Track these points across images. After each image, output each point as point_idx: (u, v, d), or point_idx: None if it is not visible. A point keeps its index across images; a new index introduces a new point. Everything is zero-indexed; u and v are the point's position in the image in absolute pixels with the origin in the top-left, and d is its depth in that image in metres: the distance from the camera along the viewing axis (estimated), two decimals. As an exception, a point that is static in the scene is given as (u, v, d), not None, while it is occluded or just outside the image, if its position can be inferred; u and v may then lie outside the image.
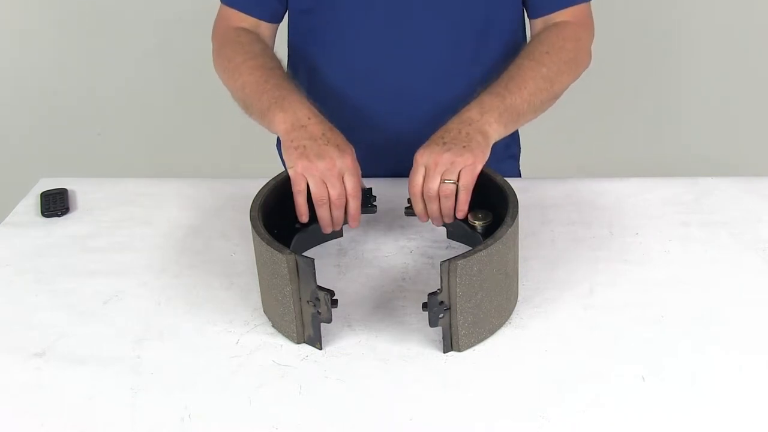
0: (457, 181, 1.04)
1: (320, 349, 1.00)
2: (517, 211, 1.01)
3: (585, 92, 2.38)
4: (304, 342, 1.01)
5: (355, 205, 1.08)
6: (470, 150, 1.04)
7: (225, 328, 1.05)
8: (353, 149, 1.09)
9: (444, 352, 0.99)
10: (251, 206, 1.05)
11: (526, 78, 1.15)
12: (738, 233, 1.18)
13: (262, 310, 1.07)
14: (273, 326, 1.04)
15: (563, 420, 0.89)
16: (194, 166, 2.39)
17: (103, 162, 2.50)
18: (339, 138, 1.09)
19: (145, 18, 2.35)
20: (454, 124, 1.08)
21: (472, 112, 1.09)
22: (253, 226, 1.02)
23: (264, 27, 1.32)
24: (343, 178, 1.06)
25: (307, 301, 0.97)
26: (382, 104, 1.31)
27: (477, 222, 1.09)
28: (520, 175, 1.49)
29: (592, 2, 1.28)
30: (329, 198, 1.06)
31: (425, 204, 1.07)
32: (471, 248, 0.96)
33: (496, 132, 1.10)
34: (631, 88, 2.41)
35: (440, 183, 1.04)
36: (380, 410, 0.92)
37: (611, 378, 0.94)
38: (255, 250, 1.04)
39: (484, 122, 1.08)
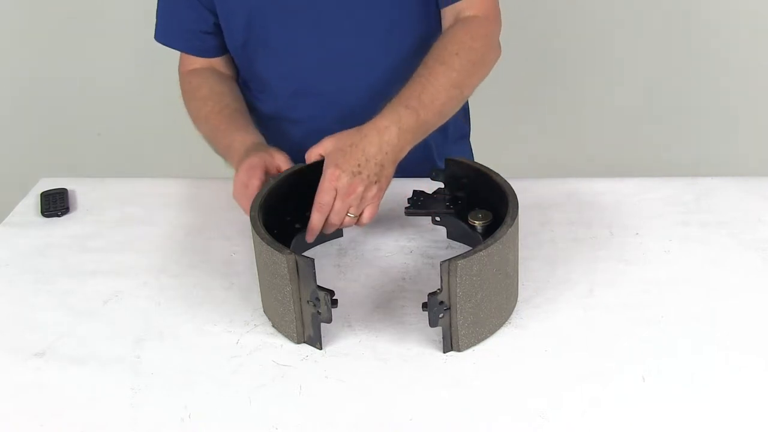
0: (360, 213, 1.10)
1: (320, 349, 1.00)
2: (517, 211, 1.01)
3: (585, 92, 2.39)
4: (304, 342, 1.01)
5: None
6: (379, 185, 1.09)
7: (225, 328, 1.05)
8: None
9: (444, 352, 0.99)
10: (251, 206, 1.05)
11: (439, 89, 1.15)
12: (738, 233, 1.18)
13: (262, 310, 1.07)
14: (273, 326, 1.04)
15: (563, 420, 0.89)
16: (194, 166, 2.38)
17: (103, 162, 2.50)
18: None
19: (146, 18, 2.34)
20: (373, 148, 1.08)
21: (390, 134, 1.10)
22: (253, 226, 1.02)
23: (216, 60, 1.40)
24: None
25: (307, 301, 0.97)
26: (319, 109, 1.35)
27: (477, 222, 1.09)
28: (472, 153, 1.53)
29: None
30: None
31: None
32: (471, 248, 0.96)
33: (407, 153, 1.13)
34: (631, 88, 2.41)
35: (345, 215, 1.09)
36: (380, 410, 0.92)
37: (611, 378, 0.94)
38: (255, 250, 1.04)
39: (400, 148, 1.11)
